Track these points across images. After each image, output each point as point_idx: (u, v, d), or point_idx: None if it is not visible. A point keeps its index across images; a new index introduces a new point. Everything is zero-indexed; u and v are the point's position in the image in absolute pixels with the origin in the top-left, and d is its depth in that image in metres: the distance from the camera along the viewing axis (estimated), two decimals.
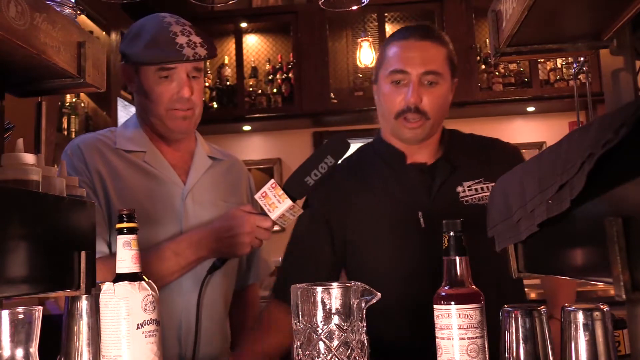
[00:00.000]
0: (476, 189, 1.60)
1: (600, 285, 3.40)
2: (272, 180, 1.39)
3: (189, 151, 1.76)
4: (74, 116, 3.33)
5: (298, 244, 1.71)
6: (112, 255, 1.46)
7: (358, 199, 1.67)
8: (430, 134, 1.66)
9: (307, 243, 1.69)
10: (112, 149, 1.66)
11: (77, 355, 1.19)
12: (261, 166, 4.46)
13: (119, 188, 1.60)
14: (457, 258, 0.97)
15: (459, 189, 1.61)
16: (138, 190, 1.62)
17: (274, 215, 1.40)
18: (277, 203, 1.37)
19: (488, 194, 1.53)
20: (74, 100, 3.38)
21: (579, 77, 3.54)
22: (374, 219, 1.64)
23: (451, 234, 0.97)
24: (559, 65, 4.24)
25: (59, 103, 3.23)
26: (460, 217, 1.02)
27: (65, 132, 3.27)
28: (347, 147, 1.44)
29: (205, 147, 1.80)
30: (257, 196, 1.42)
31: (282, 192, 1.36)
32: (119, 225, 1.03)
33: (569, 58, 3.92)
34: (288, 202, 1.38)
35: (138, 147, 1.68)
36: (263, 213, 1.43)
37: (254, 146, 4.56)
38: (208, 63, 4.39)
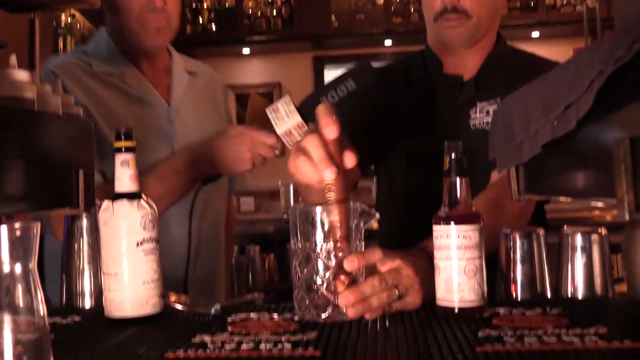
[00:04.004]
0: (487, 111, 1.46)
1: (597, 212, 3.43)
2: (287, 96, 1.35)
3: (165, 67, 1.70)
4: (69, 36, 3.28)
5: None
6: (107, 181, 1.45)
7: (392, 98, 1.57)
8: (475, 36, 1.49)
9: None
10: (89, 73, 1.59)
11: (78, 273, 1.21)
12: (260, 90, 4.42)
13: (104, 114, 1.54)
14: (458, 179, 0.96)
15: (472, 110, 1.48)
16: (123, 115, 1.57)
17: (280, 130, 1.35)
18: (285, 118, 1.33)
19: None
20: (69, 20, 3.32)
21: (586, 1, 3.45)
22: (395, 121, 1.56)
23: (452, 155, 0.96)
24: None
25: (55, 24, 3.17)
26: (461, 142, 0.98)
27: (62, 53, 3.22)
28: (371, 76, 1.37)
29: (180, 62, 1.74)
30: (268, 109, 1.37)
31: (293, 107, 1.32)
32: (116, 144, 1.02)
33: None
34: (297, 119, 1.33)
35: (116, 68, 1.61)
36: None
37: (253, 70, 4.49)
38: None
